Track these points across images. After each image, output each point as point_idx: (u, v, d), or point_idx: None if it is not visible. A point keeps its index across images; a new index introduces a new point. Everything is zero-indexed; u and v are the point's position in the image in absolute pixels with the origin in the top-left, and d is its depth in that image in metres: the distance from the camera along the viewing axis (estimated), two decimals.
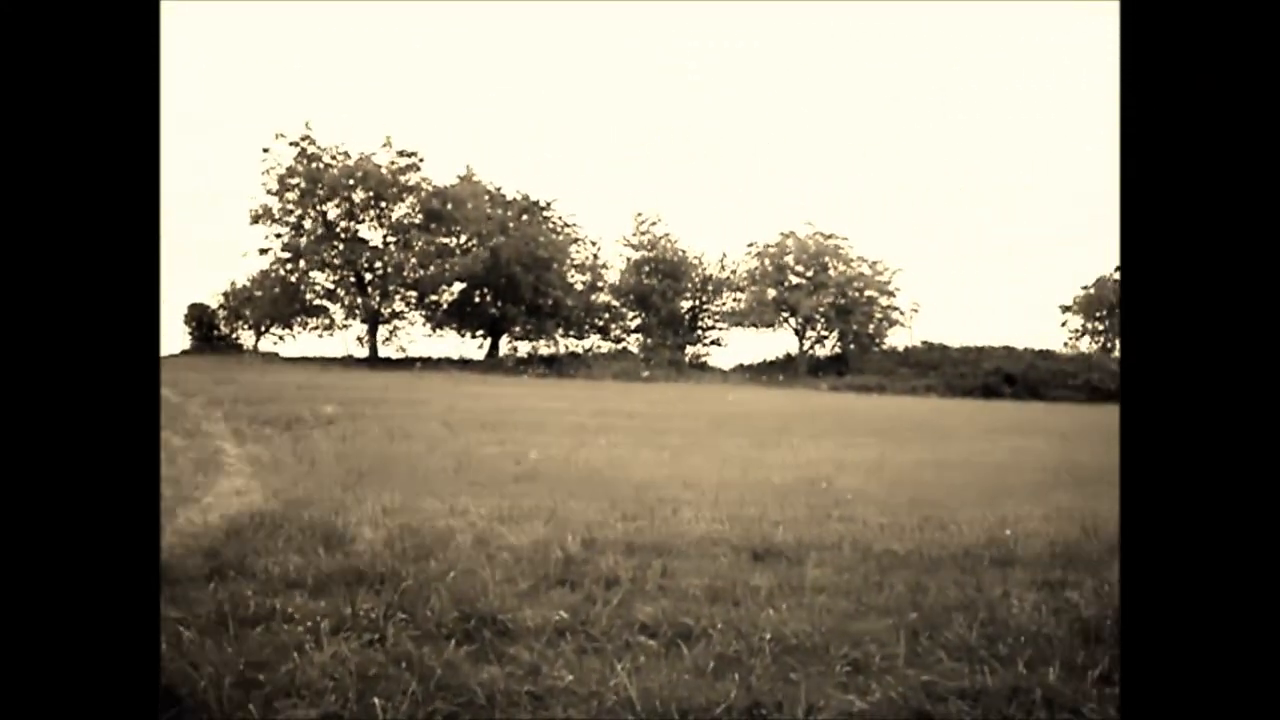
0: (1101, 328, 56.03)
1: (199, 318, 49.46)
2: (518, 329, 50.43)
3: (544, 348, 50.92)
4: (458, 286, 49.41)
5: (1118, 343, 55.17)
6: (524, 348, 51.17)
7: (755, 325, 52.52)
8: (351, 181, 46.62)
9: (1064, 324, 57.55)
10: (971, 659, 5.01)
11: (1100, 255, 57.07)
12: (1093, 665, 4.83)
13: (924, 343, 51.94)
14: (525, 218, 50.47)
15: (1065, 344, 55.57)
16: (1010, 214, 76.85)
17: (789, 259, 52.57)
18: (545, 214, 51.72)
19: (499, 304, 49.62)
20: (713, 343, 54.41)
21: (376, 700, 4.36)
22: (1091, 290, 56.49)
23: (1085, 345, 55.80)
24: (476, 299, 50.01)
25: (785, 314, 52.13)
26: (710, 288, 54.01)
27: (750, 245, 53.66)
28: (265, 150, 46.44)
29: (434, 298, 49.23)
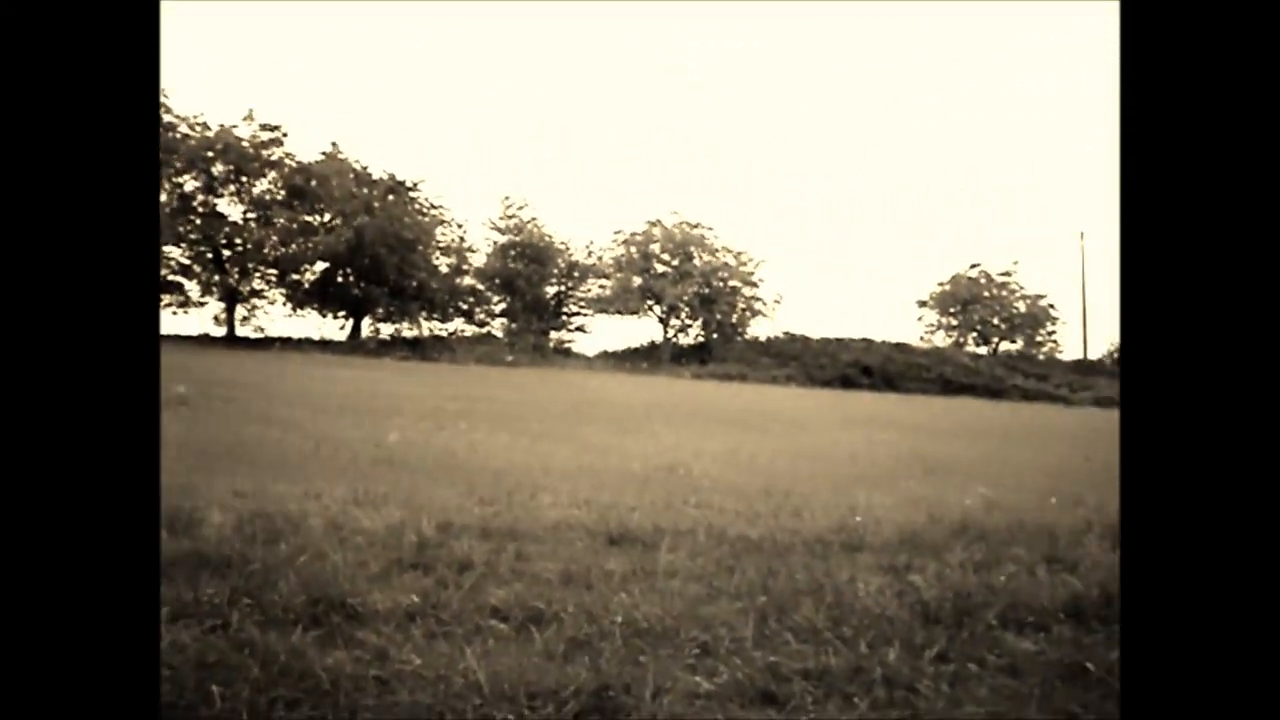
0: (955, 323, 57.83)
1: None
2: (380, 311, 49.53)
3: (407, 330, 50.15)
4: (320, 266, 48.26)
5: (970, 338, 57.12)
6: (386, 330, 50.33)
7: (620, 312, 52.76)
8: (211, 154, 45.00)
9: (920, 319, 59.25)
10: (817, 640, 5.13)
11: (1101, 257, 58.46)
12: (930, 645, 5.01)
13: (785, 333, 52.84)
14: (391, 198, 49.54)
15: (921, 338, 57.28)
16: (1010, 213, 78.59)
17: (655, 247, 52.92)
18: (411, 194, 50.83)
19: (362, 285, 48.63)
20: (577, 329, 54.45)
21: (215, 688, 4.24)
22: (947, 286, 58.27)
23: (940, 340, 57.53)
24: (339, 279, 48.91)
25: (650, 302, 52.49)
26: (576, 274, 54.00)
27: (617, 233, 53.89)
28: None
29: (295, 277, 47.96)
